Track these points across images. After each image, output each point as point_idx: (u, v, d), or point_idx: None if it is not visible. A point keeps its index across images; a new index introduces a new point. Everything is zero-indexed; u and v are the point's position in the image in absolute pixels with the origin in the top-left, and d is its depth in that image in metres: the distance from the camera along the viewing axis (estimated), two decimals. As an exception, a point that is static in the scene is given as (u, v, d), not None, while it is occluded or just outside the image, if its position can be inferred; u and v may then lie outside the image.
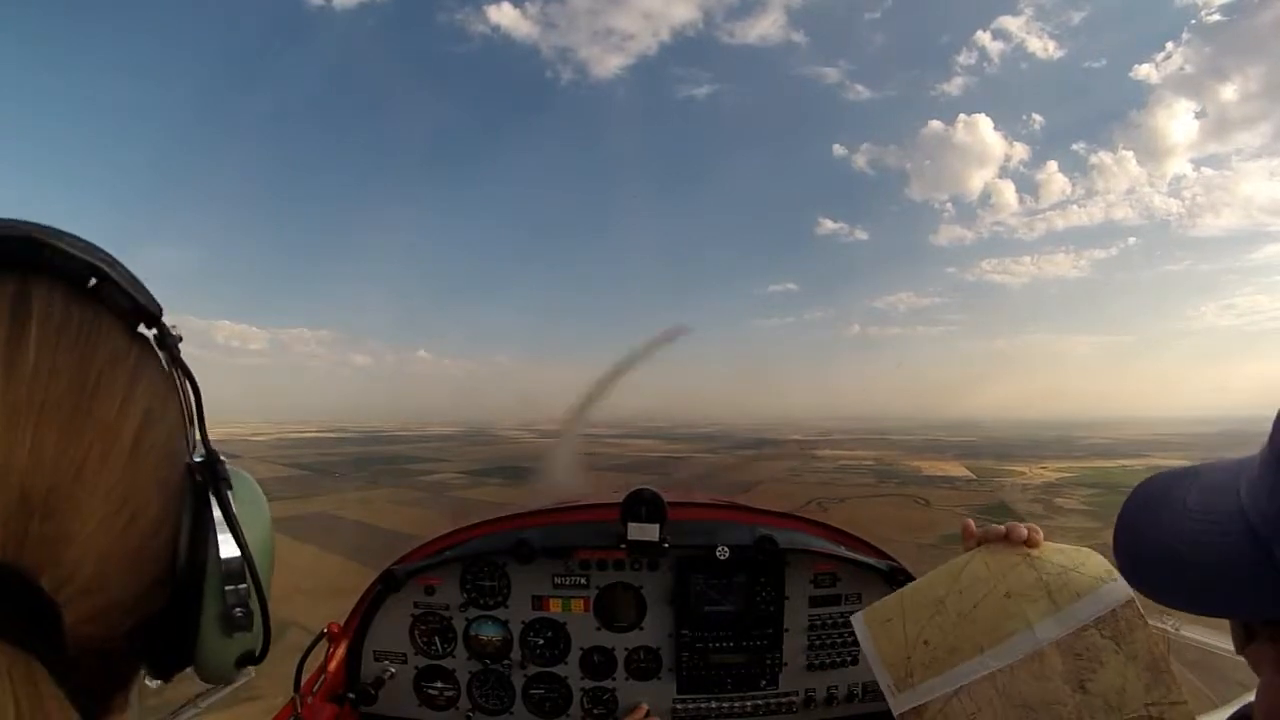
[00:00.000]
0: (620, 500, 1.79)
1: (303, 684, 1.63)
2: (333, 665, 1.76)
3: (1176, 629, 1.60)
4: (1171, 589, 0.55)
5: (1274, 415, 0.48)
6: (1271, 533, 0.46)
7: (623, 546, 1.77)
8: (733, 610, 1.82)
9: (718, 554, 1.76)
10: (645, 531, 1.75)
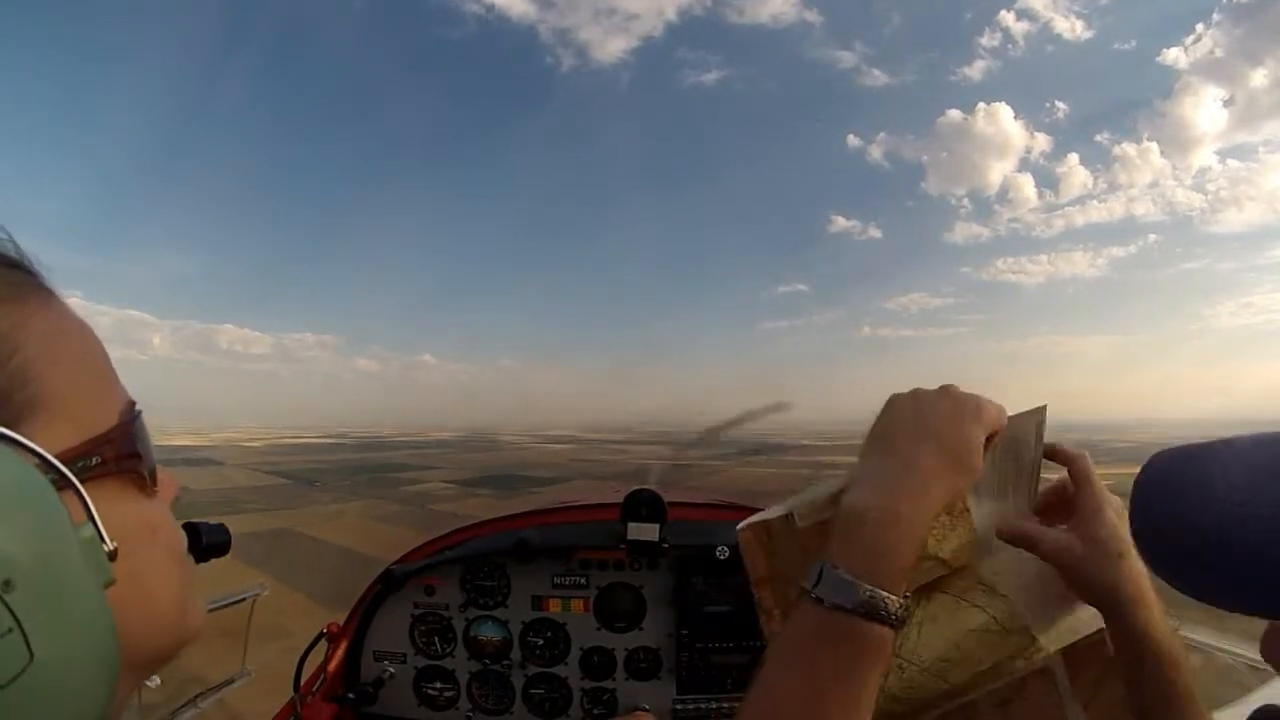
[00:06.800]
0: (620, 500, 1.87)
1: (302, 684, 1.74)
2: (332, 665, 1.86)
3: (1175, 629, 1.73)
4: (1213, 585, 0.50)
5: None
6: None
7: (622, 546, 1.85)
8: (733, 610, 1.91)
9: (718, 554, 1.84)
10: (645, 531, 1.83)
